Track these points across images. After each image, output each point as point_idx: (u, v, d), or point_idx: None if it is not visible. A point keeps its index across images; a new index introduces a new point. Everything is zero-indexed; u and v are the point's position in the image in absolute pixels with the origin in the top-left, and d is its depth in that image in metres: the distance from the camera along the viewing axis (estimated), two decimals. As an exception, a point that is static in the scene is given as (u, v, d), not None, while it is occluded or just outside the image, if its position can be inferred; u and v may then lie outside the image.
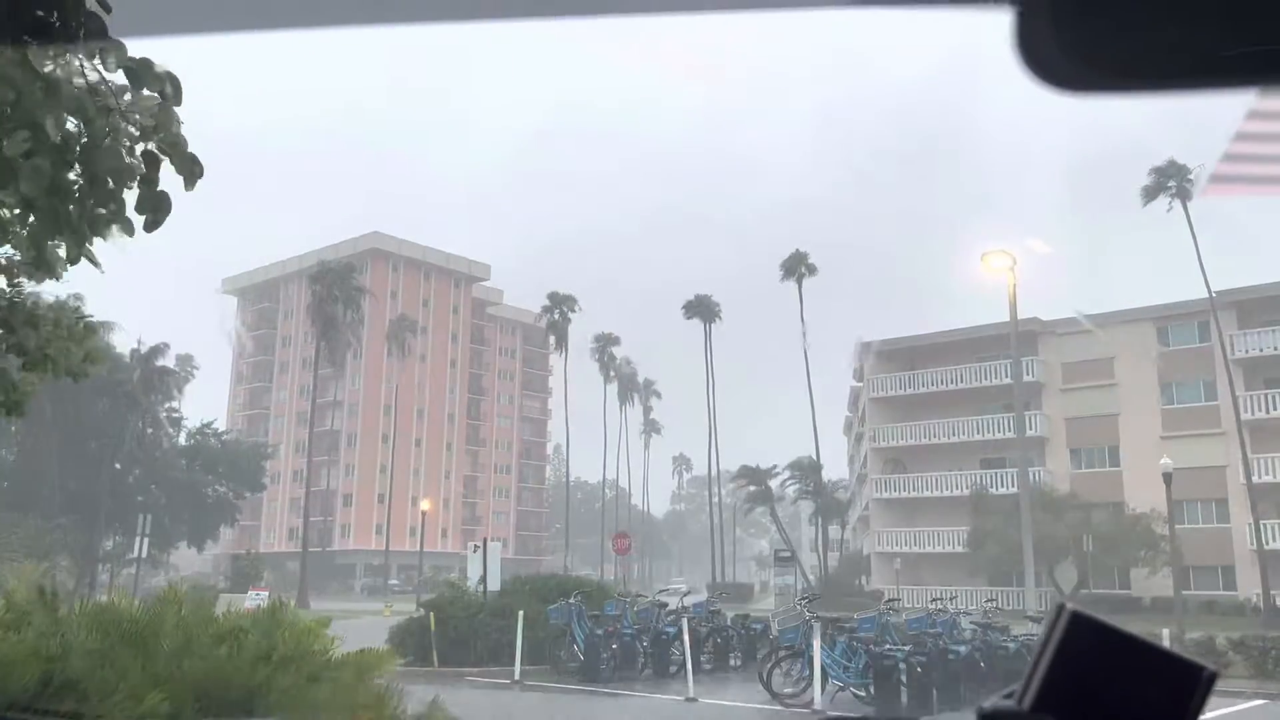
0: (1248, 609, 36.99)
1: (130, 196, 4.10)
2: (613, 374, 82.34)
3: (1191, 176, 42.62)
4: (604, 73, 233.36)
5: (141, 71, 3.85)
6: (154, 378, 51.06)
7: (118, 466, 50.07)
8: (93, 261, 4.36)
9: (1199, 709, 0.72)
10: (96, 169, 3.95)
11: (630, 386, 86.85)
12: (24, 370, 4.92)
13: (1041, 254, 31.41)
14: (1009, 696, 0.75)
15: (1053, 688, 0.72)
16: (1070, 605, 0.77)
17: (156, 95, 3.98)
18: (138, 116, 4.00)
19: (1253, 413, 41.76)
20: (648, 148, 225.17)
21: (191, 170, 4.05)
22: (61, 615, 4.82)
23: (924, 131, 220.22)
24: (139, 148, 4.01)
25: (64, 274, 4.49)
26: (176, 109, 4.13)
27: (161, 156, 4.05)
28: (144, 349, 51.05)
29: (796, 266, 60.44)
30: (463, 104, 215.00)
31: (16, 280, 4.65)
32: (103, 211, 4.11)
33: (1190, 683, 0.72)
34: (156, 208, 4.03)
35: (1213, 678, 0.72)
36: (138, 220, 4.17)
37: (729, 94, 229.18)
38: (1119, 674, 0.72)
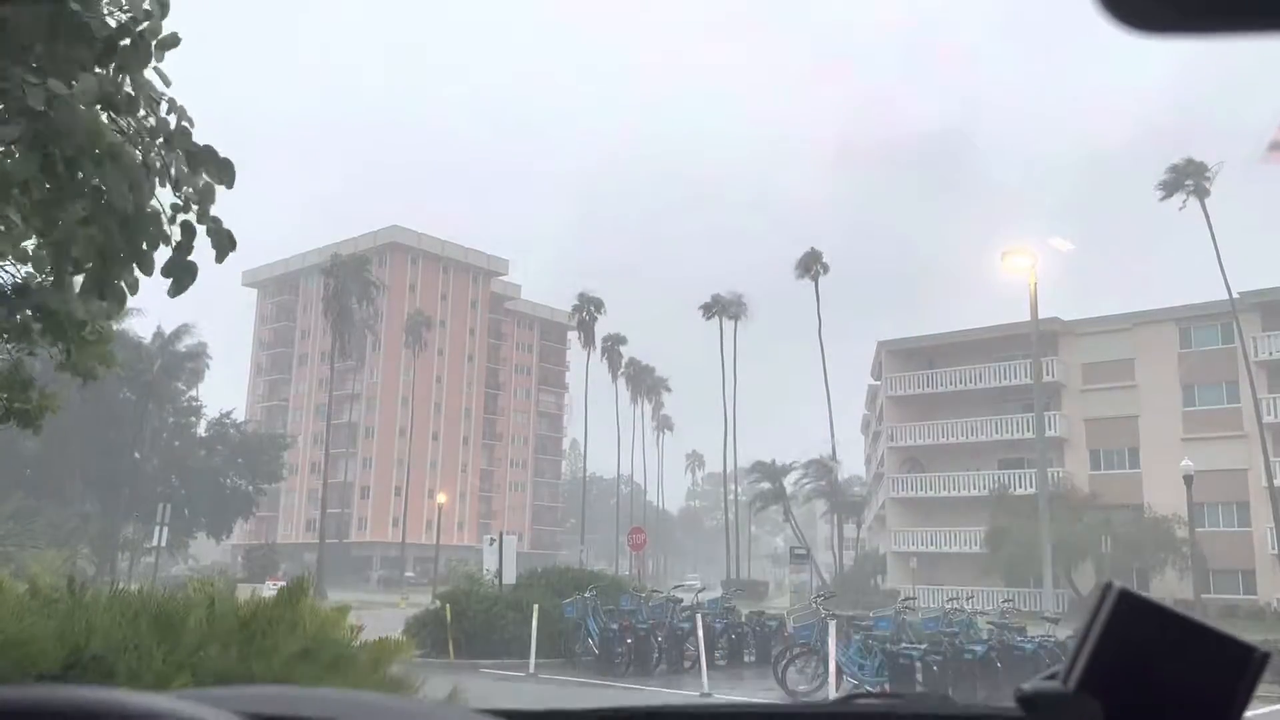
0: (1269, 613, 36.66)
1: (160, 256, 4.39)
2: (622, 371, 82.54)
3: (1209, 174, 42.20)
4: (634, 80, 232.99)
5: (205, 157, 4.20)
6: (176, 364, 51.51)
7: (137, 456, 50.54)
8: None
9: (1250, 690, 0.69)
10: (140, 234, 4.22)
11: (642, 383, 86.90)
12: (56, 370, 5.05)
13: (1063, 252, 31.07)
14: (1052, 677, 0.72)
15: (1098, 668, 0.70)
16: (1118, 583, 0.74)
17: (206, 179, 4.27)
18: (187, 190, 4.30)
19: (1275, 415, 41.35)
20: (666, 142, 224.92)
21: (225, 246, 4.34)
22: (86, 600, 4.87)
23: (945, 130, 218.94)
24: (179, 218, 4.32)
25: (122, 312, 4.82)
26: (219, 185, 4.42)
27: (197, 227, 4.34)
28: (165, 333, 51.50)
29: (811, 265, 60.76)
30: (491, 100, 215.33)
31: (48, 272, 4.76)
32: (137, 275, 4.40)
33: (1241, 663, 0.69)
34: (184, 275, 4.31)
35: (1265, 658, 0.69)
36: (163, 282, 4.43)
37: (755, 92, 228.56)
38: (1167, 654, 0.69)
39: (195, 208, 4.30)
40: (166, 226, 4.29)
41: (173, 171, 4.23)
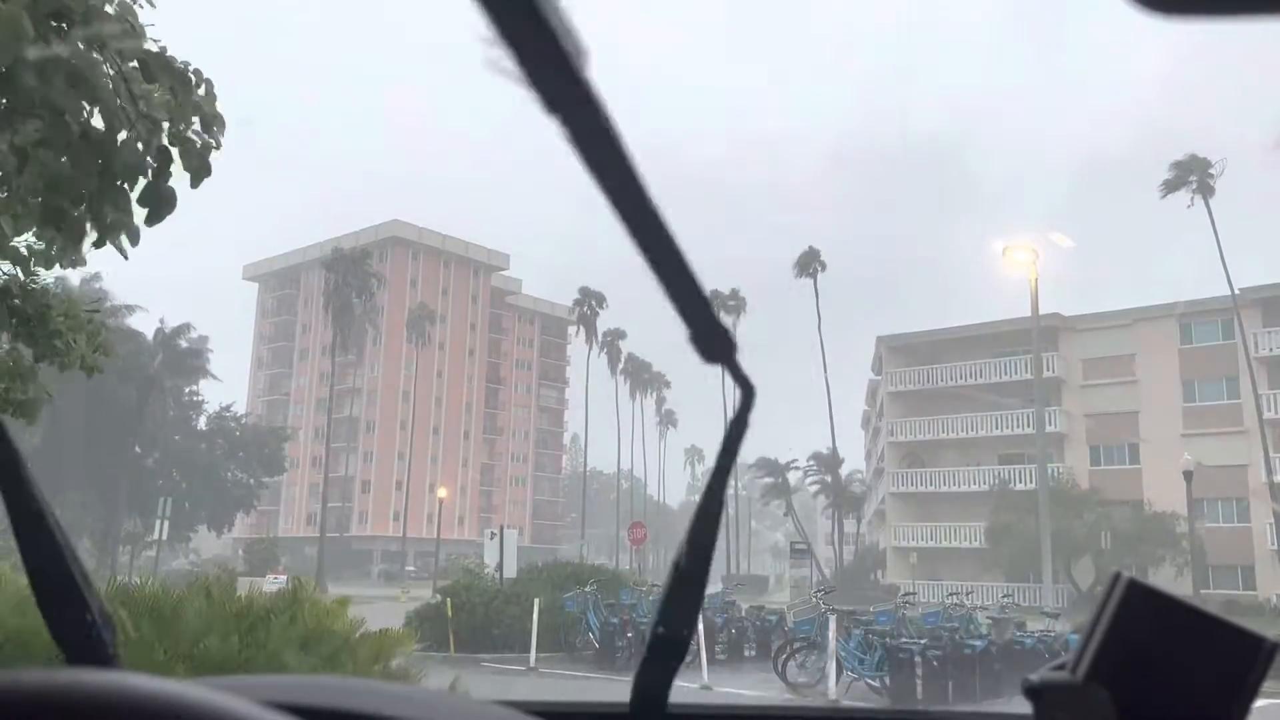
0: (1268, 609, 36.70)
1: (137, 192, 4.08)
2: (622, 368, 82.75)
3: (1213, 171, 42.24)
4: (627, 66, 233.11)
5: (154, 65, 3.75)
6: (177, 360, 51.58)
7: (138, 449, 50.56)
8: (119, 249, 4.32)
9: (1258, 681, 0.68)
10: (114, 165, 3.87)
11: (639, 378, 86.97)
12: (35, 360, 4.87)
13: (1063, 248, 31.05)
14: (1060, 667, 0.71)
15: (1107, 657, 0.68)
16: (1127, 573, 0.72)
17: (168, 89, 3.88)
18: (154, 113, 3.88)
19: (1275, 411, 41.36)
20: (664, 137, 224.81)
21: (199, 169, 4.00)
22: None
23: (944, 123, 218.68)
24: (153, 142, 3.93)
25: (81, 263, 4.44)
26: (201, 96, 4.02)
27: (171, 150, 3.99)
28: (167, 329, 51.57)
29: (810, 264, 61.12)
30: (492, 95, 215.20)
31: (34, 271, 4.62)
32: (110, 215, 4.05)
33: (1250, 654, 0.68)
34: (161, 203, 3.95)
35: (1274, 649, 0.68)
36: (140, 213, 4.12)
37: (755, 89, 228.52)
38: (1176, 644, 0.68)
39: (166, 126, 3.89)
40: (144, 152, 3.92)
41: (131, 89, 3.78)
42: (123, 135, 3.92)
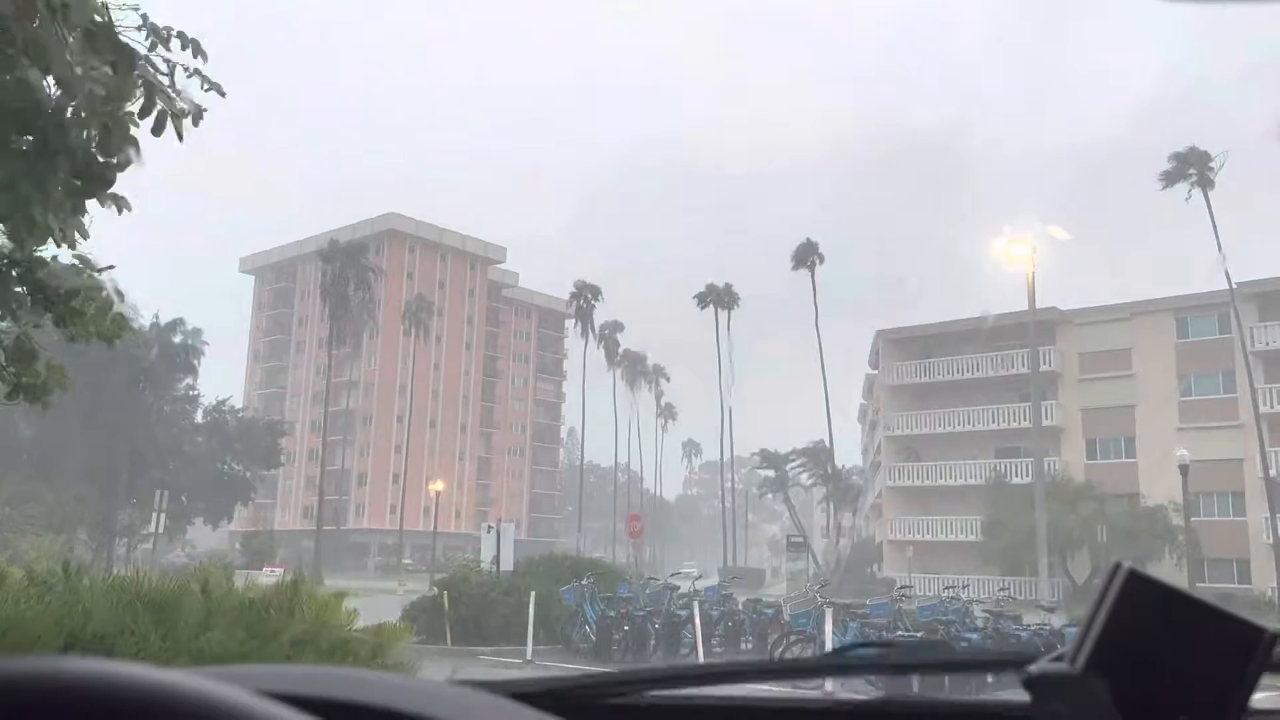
0: (1263, 603, 36.82)
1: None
2: (619, 361, 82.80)
3: (1213, 164, 42.11)
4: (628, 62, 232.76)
5: (100, 36, 3.41)
6: (173, 352, 51.49)
7: (134, 441, 50.47)
8: (84, 234, 4.08)
9: (1258, 672, 0.68)
10: (52, 138, 3.52)
11: (636, 372, 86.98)
12: (55, 324, 4.53)
13: (1060, 241, 31.07)
14: (1058, 659, 0.71)
15: (1106, 648, 0.68)
16: (1127, 563, 0.72)
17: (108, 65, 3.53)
18: (94, 88, 3.51)
19: (1272, 405, 41.44)
20: (660, 125, 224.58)
21: (118, 149, 3.61)
22: (83, 586, 4.88)
23: (944, 116, 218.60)
24: (92, 120, 3.60)
25: (82, 233, 4.15)
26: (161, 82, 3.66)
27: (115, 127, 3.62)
28: (161, 322, 51.49)
29: (807, 256, 60.83)
30: (491, 91, 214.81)
31: (33, 238, 4.36)
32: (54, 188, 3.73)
33: (1250, 645, 0.68)
34: (97, 185, 3.63)
35: (1274, 640, 0.68)
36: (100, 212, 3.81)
37: (750, 79, 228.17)
38: (1176, 634, 0.68)
39: (104, 109, 3.46)
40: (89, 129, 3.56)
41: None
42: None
